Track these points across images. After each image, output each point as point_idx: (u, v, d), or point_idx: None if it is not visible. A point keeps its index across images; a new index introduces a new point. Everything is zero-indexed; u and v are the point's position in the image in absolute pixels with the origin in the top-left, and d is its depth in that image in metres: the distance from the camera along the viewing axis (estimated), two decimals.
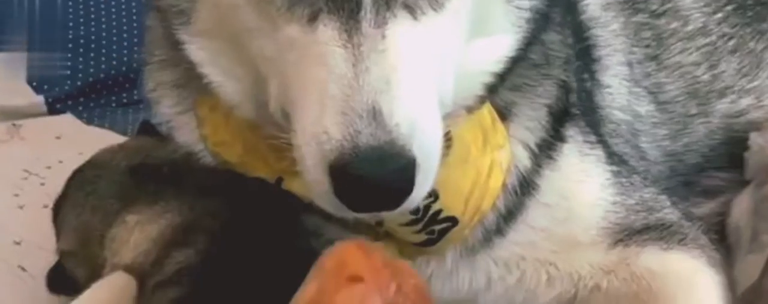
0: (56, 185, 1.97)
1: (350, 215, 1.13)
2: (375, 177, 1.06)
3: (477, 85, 1.30)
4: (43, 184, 2.02)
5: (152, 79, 1.47)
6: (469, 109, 1.32)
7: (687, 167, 1.83)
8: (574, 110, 1.51)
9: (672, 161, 1.80)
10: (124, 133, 2.30)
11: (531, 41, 1.34)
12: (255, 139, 1.32)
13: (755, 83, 1.90)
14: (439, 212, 1.34)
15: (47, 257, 1.68)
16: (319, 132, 1.08)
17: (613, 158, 1.54)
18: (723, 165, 1.84)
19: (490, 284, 1.45)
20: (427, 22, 1.14)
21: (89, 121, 2.38)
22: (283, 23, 1.14)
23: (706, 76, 1.87)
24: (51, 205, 1.89)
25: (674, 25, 1.85)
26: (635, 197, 1.51)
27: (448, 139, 1.28)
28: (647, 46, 1.81)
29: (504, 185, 1.39)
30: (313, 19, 1.12)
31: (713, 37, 1.87)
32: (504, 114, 1.39)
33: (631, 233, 1.48)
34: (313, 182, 1.11)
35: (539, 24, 1.34)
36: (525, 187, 1.42)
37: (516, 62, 1.33)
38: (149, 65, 1.48)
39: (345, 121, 1.06)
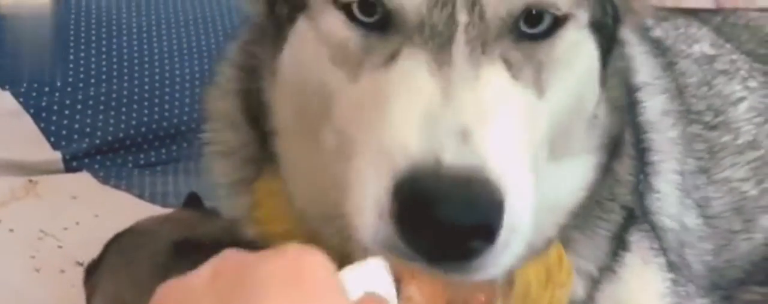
0: (73, 248, 1.91)
1: (405, 259, 0.90)
2: (457, 208, 0.86)
3: (550, 225, 1.21)
4: (60, 246, 1.94)
5: (221, 175, 1.36)
6: (536, 251, 1.20)
7: (728, 282, 1.79)
8: (637, 211, 1.46)
9: (714, 275, 1.76)
10: (140, 196, 2.24)
11: (603, 171, 1.26)
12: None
13: None
14: None
15: None
16: (391, 146, 0.91)
17: (672, 265, 1.50)
18: (763, 280, 1.80)
19: None
20: (528, 95, 1.03)
21: (105, 181, 2.30)
22: (355, 75, 1.03)
23: (753, 192, 1.85)
24: (67, 270, 1.83)
25: (726, 138, 1.83)
26: None
27: (510, 279, 1.20)
28: (699, 159, 1.78)
29: None
30: (392, 57, 1.00)
31: (762, 151, 1.85)
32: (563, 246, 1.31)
33: None
34: (366, 204, 0.91)
35: (612, 151, 1.27)
36: None
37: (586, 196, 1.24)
38: (214, 156, 1.37)
39: (429, 136, 0.89)
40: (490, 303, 0.94)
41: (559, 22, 1.07)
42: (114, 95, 2.46)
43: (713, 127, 1.82)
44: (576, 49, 1.11)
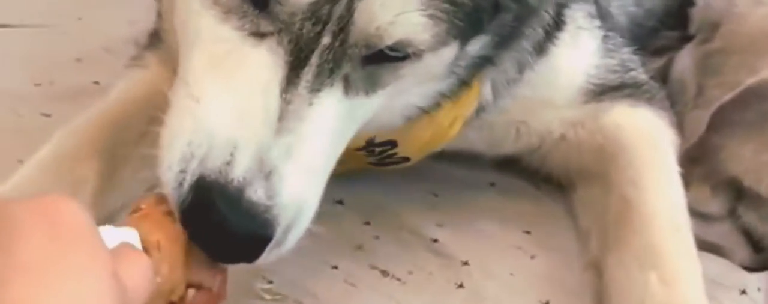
0: None
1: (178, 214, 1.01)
2: (228, 224, 0.98)
3: (398, 118, 1.27)
4: None
5: None
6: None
7: (644, 32, 1.86)
8: None
9: (634, 26, 1.81)
10: None
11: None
12: None
13: None
14: (394, 153, 1.35)
15: None
16: (218, 142, 1.00)
17: (604, 21, 1.54)
18: (673, 25, 1.87)
19: (458, 141, 1.43)
20: (356, 101, 1.08)
21: None
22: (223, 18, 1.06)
23: None
24: None
25: None
26: (617, 58, 1.52)
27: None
28: None
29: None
30: (260, 37, 1.04)
31: None
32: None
33: (605, 90, 1.49)
34: (173, 167, 1.01)
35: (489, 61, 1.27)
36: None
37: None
38: None
39: (251, 156, 0.99)
40: (222, 296, 1.04)
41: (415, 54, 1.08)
42: None
43: None
44: (425, 65, 1.11)
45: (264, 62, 1.03)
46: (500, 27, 1.21)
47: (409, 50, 1.07)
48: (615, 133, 1.47)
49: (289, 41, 1.02)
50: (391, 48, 1.06)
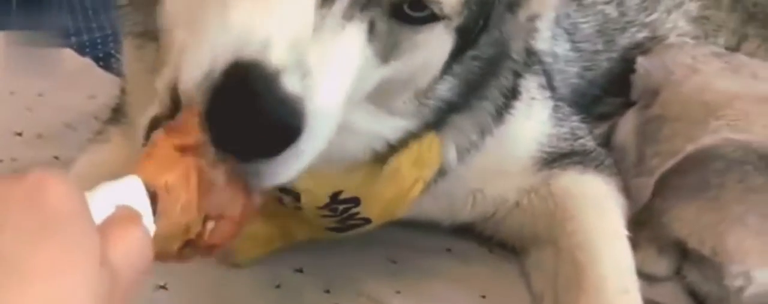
0: None
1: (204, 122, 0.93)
2: (261, 104, 0.93)
3: (363, 148, 1.29)
4: None
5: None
6: (352, 164, 1.30)
7: (587, 100, 1.94)
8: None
9: (577, 96, 1.89)
10: None
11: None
12: None
13: (652, 17, 2.03)
14: (356, 213, 1.37)
15: None
16: (257, 30, 0.95)
17: (554, 93, 1.61)
18: (616, 93, 1.95)
19: (417, 209, 1.47)
20: (372, 59, 1.10)
21: None
22: None
23: (614, 14, 1.98)
24: None
25: None
26: (566, 127, 1.59)
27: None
28: None
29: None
30: None
31: None
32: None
33: (556, 158, 1.56)
34: (202, 58, 0.95)
35: (455, 106, 1.32)
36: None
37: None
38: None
39: (288, 46, 0.95)
40: (246, 219, 0.96)
41: (435, 17, 1.13)
42: None
43: None
44: (433, 43, 1.17)
45: None
46: (467, 71, 1.27)
47: (434, 6, 1.10)
48: (565, 200, 1.52)
49: None
50: (415, 3, 1.09)
